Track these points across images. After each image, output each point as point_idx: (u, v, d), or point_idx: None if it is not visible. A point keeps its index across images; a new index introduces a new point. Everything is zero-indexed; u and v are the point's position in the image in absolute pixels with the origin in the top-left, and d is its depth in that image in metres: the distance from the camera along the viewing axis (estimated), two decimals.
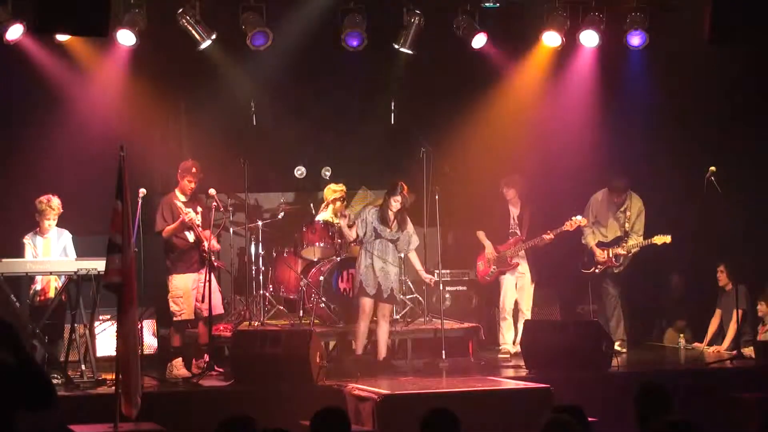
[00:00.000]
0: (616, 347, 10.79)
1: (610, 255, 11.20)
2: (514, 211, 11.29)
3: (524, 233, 11.18)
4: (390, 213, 10.34)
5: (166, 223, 9.86)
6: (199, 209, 10.01)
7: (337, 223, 10.98)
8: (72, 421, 7.76)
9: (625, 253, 11.19)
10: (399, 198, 10.27)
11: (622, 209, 11.26)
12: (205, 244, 9.86)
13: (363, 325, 10.32)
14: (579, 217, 10.98)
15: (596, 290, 11.50)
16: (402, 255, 10.59)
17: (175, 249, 9.95)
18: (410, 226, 10.52)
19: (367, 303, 10.27)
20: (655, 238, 10.99)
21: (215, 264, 10.09)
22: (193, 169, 10.04)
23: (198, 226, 9.91)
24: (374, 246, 10.32)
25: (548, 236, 10.97)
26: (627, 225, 11.22)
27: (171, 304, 9.96)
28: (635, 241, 11.17)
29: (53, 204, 9.65)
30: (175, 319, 9.96)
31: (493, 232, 11.28)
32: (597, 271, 11.29)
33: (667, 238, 10.92)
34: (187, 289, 9.91)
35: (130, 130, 10.83)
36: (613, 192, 11.29)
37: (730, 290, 11.16)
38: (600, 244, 11.33)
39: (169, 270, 9.97)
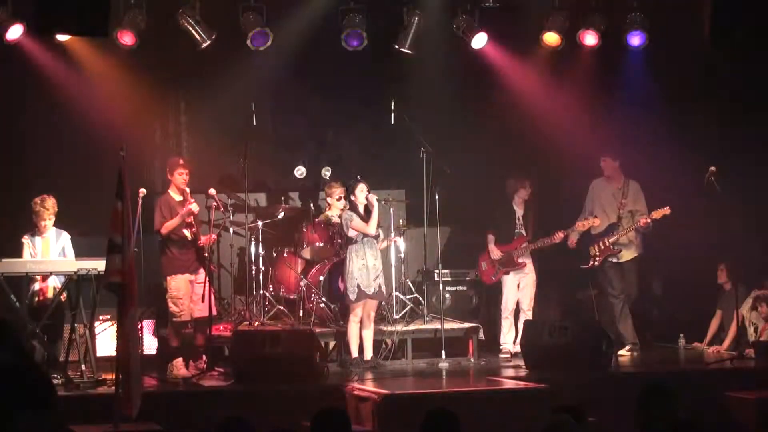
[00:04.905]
0: (624, 351, 10.79)
1: (608, 243, 11.01)
2: (519, 212, 11.27)
3: (530, 233, 11.17)
4: (361, 212, 10.31)
5: (165, 220, 9.85)
6: None
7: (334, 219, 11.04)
8: (72, 421, 7.73)
9: (622, 235, 10.96)
10: (362, 187, 10.28)
11: (620, 197, 11.12)
12: (203, 239, 9.86)
13: (356, 327, 10.27)
14: (592, 217, 10.98)
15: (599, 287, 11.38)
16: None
17: (172, 249, 9.93)
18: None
19: (363, 305, 10.23)
20: (654, 213, 10.80)
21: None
22: (180, 161, 10.04)
23: (193, 226, 9.93)
24: (364, 245, 10.28)
25: (559, 236, 10.97)
26: (621, 210, 11.06)
27: (171, 305, 9.94)
28: (630, 222, 10.98)
29: (47, 204, 9.64)
30: (174, 319, 9.96)
31: (499, 233, 11.26)
32: (596, 263, 11.10)
33: (666, 210, 10.73)
34: (186, 291, 9.91)
35: (130, 130, 10.83)
36: (603, 177, 11.16)
37: (730, 290, 11.16)
38: (592, 237, 11.12)
39: (166, 271, 9.96)
